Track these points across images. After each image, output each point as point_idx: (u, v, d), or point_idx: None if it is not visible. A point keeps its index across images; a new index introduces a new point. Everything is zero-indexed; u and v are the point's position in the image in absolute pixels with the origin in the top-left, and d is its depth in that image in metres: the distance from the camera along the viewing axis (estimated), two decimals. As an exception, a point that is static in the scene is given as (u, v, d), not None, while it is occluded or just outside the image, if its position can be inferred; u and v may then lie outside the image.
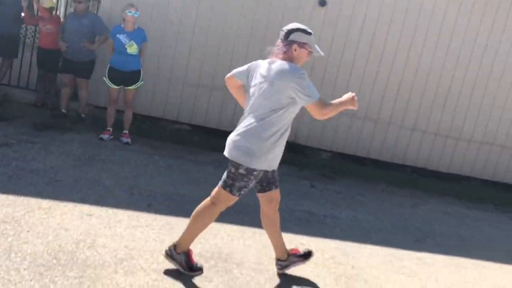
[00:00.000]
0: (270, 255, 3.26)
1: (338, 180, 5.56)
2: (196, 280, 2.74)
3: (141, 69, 5.32)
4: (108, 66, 5.23)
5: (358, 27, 6.08)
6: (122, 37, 5.12)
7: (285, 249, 3.03)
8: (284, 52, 2.65)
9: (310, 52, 2.72)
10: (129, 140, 5.30)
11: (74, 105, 5.83)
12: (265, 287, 2.85)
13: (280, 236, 3.00)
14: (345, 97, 2.72)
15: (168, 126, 6.23)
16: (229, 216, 3.64)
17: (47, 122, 5.43)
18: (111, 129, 5.36)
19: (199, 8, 5.97)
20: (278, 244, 3.00)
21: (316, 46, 2.74)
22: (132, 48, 5.14)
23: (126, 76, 5.20)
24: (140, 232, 3.17)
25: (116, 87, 5.24)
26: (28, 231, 2.88)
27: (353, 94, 2.73)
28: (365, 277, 3.26)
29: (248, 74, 2.78)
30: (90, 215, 3.26)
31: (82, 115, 5.78)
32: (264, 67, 2.67)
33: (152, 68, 5.99)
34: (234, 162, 2.64)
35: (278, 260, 3.04)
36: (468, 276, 3.65)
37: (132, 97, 5.37)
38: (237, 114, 6.21)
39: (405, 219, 4.69)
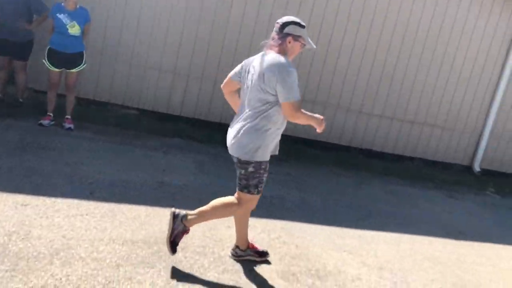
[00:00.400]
0: (215, 237, 3.28)
1: (287, 162, 5.65)
2: (138, 267, 2.71)
3: (84, 51, 5.09)
4: (47, 48, 4.96)
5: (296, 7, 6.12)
6: (63, 17, 4.85)
7: (247, 240, 3.08)
8: (279, 45, 2.70)
9: (303, 45, 2.78)
10: (71, 125, 5.09)
11: (11, 89, 5.51)
12: (209, 270, 2.87)
13: (247, 225, 3.05)
14: (317, 116, 2.76)
15: (115, 110, 6.04)
16: (174, 201, 3.62)
17: (-19, 107, 5.11)
18: (52, 115, 5.12)
19: (145, -12, 5.77)
20: (242, 233, 3.04)
21: (309, 39, 2.80)
22: (74, 29, 4.90)
23: (67, 58, 4.96)
24: (79, 221, 3.08)
25: (57, 70, 4.99)
26: (-44, 224, 2.72)
27: (323, 117, 2.78)
28: (308, 255, 3.36)
29: (241, 71, 2.84)
30: (25, 205, 3.12)
31: (20, 99, 5.48)
32: (257, 60, 2.72)
33: (97, 49, 5.76)
34: (241, 162, 2.70)
35: (237, 247, 3.07)
36: (406, 250, 3.85)
37: (75, 81, 5.13)
38: (187, 98, 6.13)
39: (349, 199, 4.85)
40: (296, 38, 2.72)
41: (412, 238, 4.14)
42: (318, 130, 2.78)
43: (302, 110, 2.66)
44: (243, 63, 2.87)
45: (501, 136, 7.20)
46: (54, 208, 3.17)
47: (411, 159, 7.01)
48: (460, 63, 6.73)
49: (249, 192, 2.78)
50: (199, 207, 2.90)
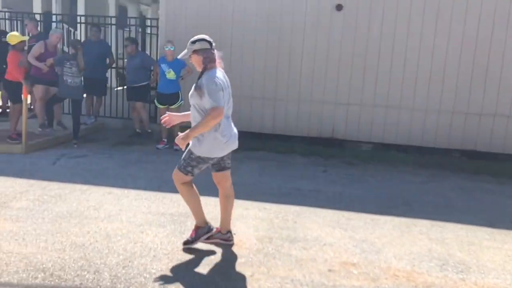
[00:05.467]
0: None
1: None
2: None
3: (180, 91, 6.69)
4: (156, 91, 6.76)
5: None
6: (163, 66, 6.63)
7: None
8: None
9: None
10: (178, 147, 6.61)
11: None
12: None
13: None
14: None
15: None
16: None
17: (123, 140, 7.18)
18: (165, 140, 6.79)
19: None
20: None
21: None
22: (170, 75, 6.60)
23: (167, 97, 6.66)
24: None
25: (162, 106, 6.73)
26: None
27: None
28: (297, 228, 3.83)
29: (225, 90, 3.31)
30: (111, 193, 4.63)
31: (149, 130, 7.35)
32: (224, 77, 3.34)
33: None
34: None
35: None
36: (411, 232, 3.86)
37: (177, 115, 6.74)
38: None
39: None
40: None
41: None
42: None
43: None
44: (221, 83, 3.21)
45: None
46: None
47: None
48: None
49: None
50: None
